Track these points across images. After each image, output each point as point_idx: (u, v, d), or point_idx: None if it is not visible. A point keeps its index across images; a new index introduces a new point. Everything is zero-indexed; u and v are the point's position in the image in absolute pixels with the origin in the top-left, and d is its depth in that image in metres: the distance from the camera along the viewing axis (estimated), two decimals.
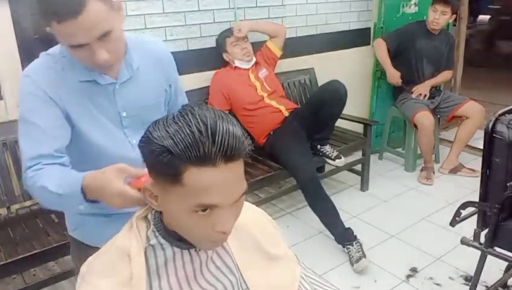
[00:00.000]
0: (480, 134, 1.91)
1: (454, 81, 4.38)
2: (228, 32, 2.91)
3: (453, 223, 1.92)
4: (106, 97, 1.17)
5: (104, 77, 1.16)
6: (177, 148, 0.70)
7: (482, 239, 1.89)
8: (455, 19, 3.93)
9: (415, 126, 3.53)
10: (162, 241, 0.83)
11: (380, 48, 3.57)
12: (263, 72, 2.97)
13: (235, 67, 2.90)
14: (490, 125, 1.80)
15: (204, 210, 0.74)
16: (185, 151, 0.69)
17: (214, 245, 0.83)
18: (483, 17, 7.90)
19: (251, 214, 0.99)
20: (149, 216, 0.87)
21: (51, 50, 1.17)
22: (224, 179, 0.72)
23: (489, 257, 1.89)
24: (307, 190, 2.64)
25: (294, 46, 3.35)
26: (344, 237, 2.54)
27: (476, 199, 1.91)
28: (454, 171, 3.58)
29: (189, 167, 0.70)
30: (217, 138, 0.70)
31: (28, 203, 2.39)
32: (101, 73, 1.14)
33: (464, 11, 4.22)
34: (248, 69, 2.92)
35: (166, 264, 0.83)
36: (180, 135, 0.70)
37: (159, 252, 0.83)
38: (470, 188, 3.26)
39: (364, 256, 2.43)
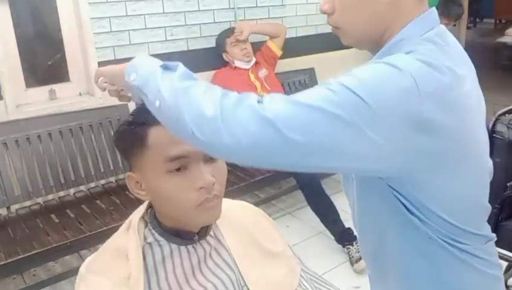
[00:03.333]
0: None
1: None
2: (228, 33, 2.91)
3: None
4: None
5: None
6: (135, 116, 0.81)
7: None
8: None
9: None
10: (159, 238, 0.84)
11: None
12: (263, 72, 2.97)
13: (235, 67, 2.90)
14: (490, 125, 1.80)
15: (178, 169, 0.78)
16: (141, 117, 0.80)
17: (205, 213, 0.81)
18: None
19: (249, 212, 1.00)
20: (146, 217, 0.88)
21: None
22: None
23: None
24: (307, 190, 2.64)
25: (294, 46, 3.35)
26: (344, 237, 2.54)
27: None
28: None
29: (150, 128, 0.79)
30: None
31: (28, 203, 2.40)
32: None
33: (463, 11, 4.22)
34: (248, 69, 2.92)
35: (164, 262, 0.83)
36: (136, 108, 0.82)
37: (156, 250, 0.83)
38: None
39: None
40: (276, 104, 0.65)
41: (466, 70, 0.76)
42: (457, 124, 0.71)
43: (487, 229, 0.85)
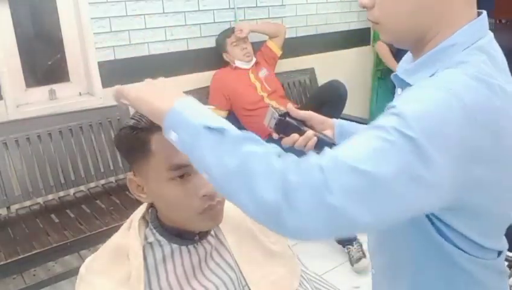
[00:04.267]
0: None
1: None
2: (228, 33, 2.91)
3: None
4: None
5: None
6: (137, 122, 0.79)
7: None
8: None
9: None
10: (160, 238, 0.84)
11: (382, 50, 3.57)
12: (263, 72, 2.97)
13: (235, 67, 2.90)
14: None
15: (181, 177, 0.77)
16: (144, 121, 0.78)
17: (208, 219, 0.81)
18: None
19: None
20: (147, 216, 0.87)
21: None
22: None
23: None
24: None
25: (294, 46, 3.35)
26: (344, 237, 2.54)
27: None
28: None
29: (153, 134, 0.77)
30: None
31: (28, 203, 2.40)
32: None
33: None
34: (248, 69, 2.92)
35: (164, 261, 0.83)
36: (138, 113, 0.79)
37: (157, 249, 0.83)
38: None
39: (365, 256, 2.43)
40: (341, 179, 0.58)
41: (511, 86, 0.71)
42: (507, 150, 0.68)
43: (504, 242, 0.84)
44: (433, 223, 0.74)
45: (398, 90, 0.84)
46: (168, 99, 0.68)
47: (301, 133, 0.94)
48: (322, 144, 0.92)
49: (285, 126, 0.94)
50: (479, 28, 0.73)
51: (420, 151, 0.59)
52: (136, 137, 0.79)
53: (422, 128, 0.60)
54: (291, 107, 1.00)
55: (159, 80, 0.76)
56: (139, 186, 0.83)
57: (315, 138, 0.93)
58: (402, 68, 0.85)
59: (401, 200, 0.60)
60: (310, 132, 0.94)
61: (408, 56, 0.88)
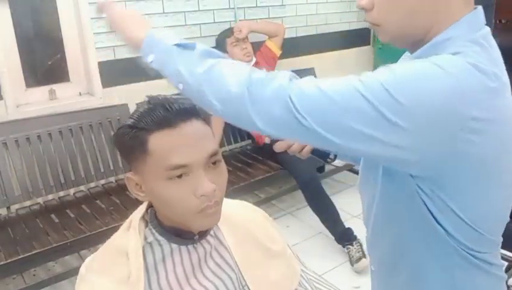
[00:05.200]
0: None
1: None
2: (228, 33, 2.91)
3: None
4: None
5: None
6: (135, 121, 0.79)
7: None
8: None
9: None
10: (159, 238, 0.84)
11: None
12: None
13: None
14: None
15: (179, 176, 0.77)
16: (142, 121, 0.78)
17: (205, 219, 0.81)
18: None
19: (249, 212, 1.00)
20: (146, 216, 0.87)
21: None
22: (185, 136, 0.77)
23: None
24: (306, 190, 2.64)
25: (294, 46, 3.35)
26: (344, 237, 2.53)
27: None
28: None
29: (151, 134, 0.77)
30: (163, 105, 0.78)
31: (28, 203, 2.40)
32: None
33: None
34: None
35: (164, 261, 0.83)
36: (137, 112, 0.81)
37: (156, 249, 0.83)
38: None
39: (365, 256, 2.42)
40: (304, 86, 0.67)
41: (507, 78, 0.72)
42: (499, 132, 0.69)
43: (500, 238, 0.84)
44: (431, 213, 0.74)
45: None
46: (144, 28, 0.82)
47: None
48: (318, 151, 0.91)
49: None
50: (474, 22, 0.73)
51: (391, 100, 0.62)
52: (134, 136, 0.79)
53: (400, 84, 0.63)
54: None
55: (128, 10, 0.90)
56: (137, 184, 0.84)
57: (305, 150, 0.94)
58: None
59: (354, 132, 0.65)
60: (298, 145, 0.95)
61: (407, 56, 0.88)
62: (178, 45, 0.75)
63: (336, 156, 0.95)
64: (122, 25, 0.86)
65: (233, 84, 0.68)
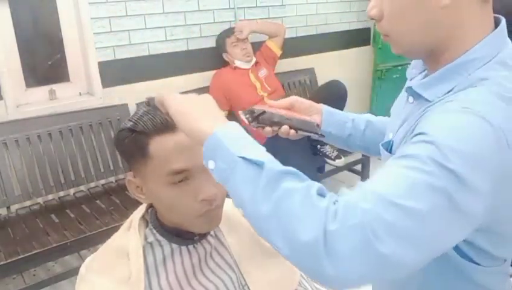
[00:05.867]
0: None
1: None
2: (228, 33, 2.91)
3: None
4: None
5: None
6: (135, 124, 0.77)
7: None
8: None
9: None
10: (160, 238, 0.84)
11: None
12: (263, 72, 2.97)
13: (235, 67, 2.90)
14: None
15: (180, 181, 0.76)
16: (142, 124, 0.77)
17: (206, 222, 0.81)
18: None
19: None
20: (146, 216, 0.87)
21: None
22: (186, 141, 0.74)
23: None
24: None
25: (294, 46, 3.35)
26: None
27: None
28: None
29: (151, 138, 0.76)
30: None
31: (28, 203, 2.40)
32: None
33: None
34: (248, 69, 2.92)
35: (164, 261, 0.83)
36: (137, 114, 0.79)
37: (157, 249, 0.83)
38: None
39: None
40: (386, 222, 0.55)
41: None
42: None
43: None
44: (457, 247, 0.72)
45: (410, 99, 0.81)
46: (208, 121, 0.66)
47: (279, 126, 0.92)
48: (306, 129, 0.91)
49: (263, 124, 0.92)
50: (499, 40, 0.70)
51: (462, 182, 0.57)
52: (135, 140, 0.78)
53: (460, 158, 0.58)
54: (269, 102, 0.99)
55: (201, 96, 0.73)
56: (138, 187, 0.83)
57: (293, 131, 0.91)
58: (413, 77, 0.84)
59: (448, 234, 0.59)
60: (285, 128, 0.91)
61: (417, 62, 0.85)
62: (244, 158, 0.61)
63: (322, 135, 0.95)
64: (190, 113, 0.69)
65: (305, 228, 0.55)
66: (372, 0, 0.75)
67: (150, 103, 0.78)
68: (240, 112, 0.95)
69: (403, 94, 0.86)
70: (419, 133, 0.63)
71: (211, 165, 0.64)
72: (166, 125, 0.76)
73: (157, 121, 0.76)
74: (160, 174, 0.77)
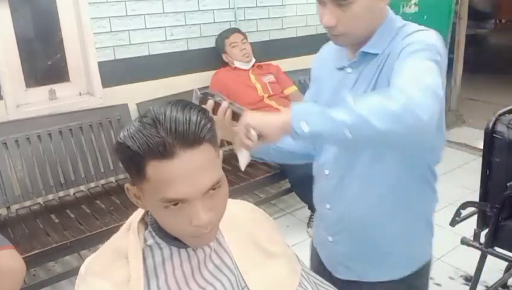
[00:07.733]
0: (480, 134, 1.91)
1: (455, 81, 4.38)
2: (227, 33, 2.91)
3: (453, 223, 1.92)
4: None
5: None
6: (134, 144, 0.71)
7: (482, 239, 1.88)
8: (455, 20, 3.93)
9: None
10: (159, 241, 0.83)
11: None
12: (269, 78, 2.97)
13: (235, 67, 2.90)
14: (490, 125, 1.80)
15: (175, 204, 0.73)
16: (139, 147, 0.71)
17: (200, 241, 0.81)
18: None
19: (249, 212, 0.99)
20: (146, 218, 0.87)
21: None
22: (185, 169, 0.70)
23: (489, 257, 1.89)
24: (298, 187, 2.66)
25: (294, 46, 3.35)
26: None
27: (476, 199, 1.91)
28: None
29: (149, 161, 0.71)
30: (164, 126, 0.70)
31: (28, 203, 2.40)
32: None
33: (463, 11, 4.22)
34: (248, 70, 2.92)
35: (163, 264, 0.83)
36: (136, 133, 0.72)
37: (156, 252, 0.83)
38: (470, 188, 3.26)
39: None
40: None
41: None
42: None
43: None
44: None
45: (348, 70, 1.10)
46: (279, 114, 0.94)
47: (220, 104, 1.04)
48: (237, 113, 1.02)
49: (207, 102, 1.05)
50: (392, 14, 1.11)
51: (441, 56, 0.97)
52: (132, 158, 0.73)
53: (439, 46, 0.98)
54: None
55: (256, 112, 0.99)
56: (136, 195, 0.82)
57: (230, 110, 1.03)
58: (344, 66, 1.11)
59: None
60: (224, 103, 1.03)
61: (336, 52, 1.16)
62: (325, 108, 0.88)
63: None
64: (265, 119, 0.94)
65: (392, 104, 0.82)
66: (326, 14, 1.01)
67: (155, 119, 0.72)
68: (195, 89, 1.12)
69: (326, 80, 1.19)
70: (406, 46, 0.98)
71: (303, 126, 0.87)
72: (165, 150, 0.70)
73: (155, 144, 0.70)
74: (155, 198, 0.74)
